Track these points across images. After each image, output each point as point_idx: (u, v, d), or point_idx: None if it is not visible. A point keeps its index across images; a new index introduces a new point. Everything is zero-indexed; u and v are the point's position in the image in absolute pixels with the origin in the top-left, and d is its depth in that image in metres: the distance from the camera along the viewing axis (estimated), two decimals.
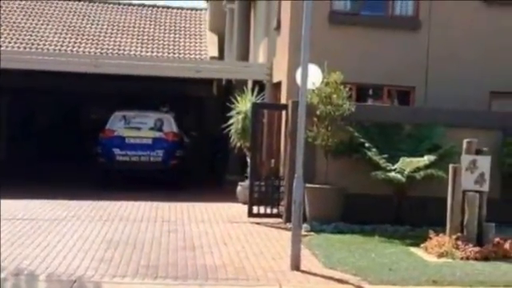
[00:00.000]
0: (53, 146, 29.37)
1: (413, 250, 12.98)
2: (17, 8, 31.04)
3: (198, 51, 29.54)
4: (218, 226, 15.08)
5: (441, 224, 13.07)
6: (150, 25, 31.65)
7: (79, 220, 15.15)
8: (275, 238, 13.93)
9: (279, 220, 15.81)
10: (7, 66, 20.10)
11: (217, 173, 24.41)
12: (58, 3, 32.25)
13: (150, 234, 13.78)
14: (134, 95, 26.59)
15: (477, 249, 12.35)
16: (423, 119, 15.98)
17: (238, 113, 18.13)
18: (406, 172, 14.66)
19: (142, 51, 28.72)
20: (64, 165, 26.29)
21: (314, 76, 14.83)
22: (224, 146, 22.16)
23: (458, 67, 17.96)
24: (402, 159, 14.83)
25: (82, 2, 32.70)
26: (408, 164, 14.72)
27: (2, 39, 27.19)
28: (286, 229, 14.49)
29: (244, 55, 25.03)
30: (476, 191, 12.87)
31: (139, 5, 33.53)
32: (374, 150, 14.99)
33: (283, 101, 17.85)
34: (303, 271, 11.16)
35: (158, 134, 21.69)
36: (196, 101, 29.95)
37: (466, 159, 13.01)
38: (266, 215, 16.23)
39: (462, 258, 12.19)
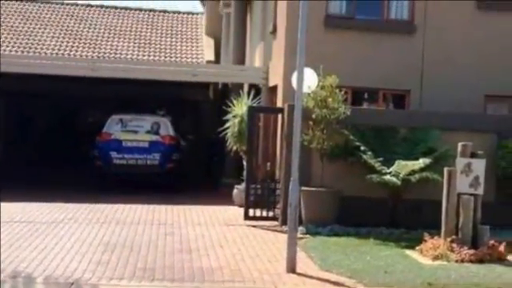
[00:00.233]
0: (50, 149, 29.43)
1: (408, 252, 13.01)
2: (14, 12, 31.10)
3: (194, 55, 29.58)
4: (214, 229, 15.13)
5: (436, 227, 13.11)
6: (147, 29, 31.70)
7: (77, 223, 15.20)
8: (271, 241, 13.97)
9: (275, 223, 15.85)
10: (4, 70, 20.16)
11: (213, 176, 24.42)
12: (55, 7, 32.33)
13: (147, 237, 13.82)
14: (130, 99, 26.64)
15: (472, 251, 12.38)
16: (418, 122, 16.03)
17: (235, 116, 18.16)
18: (401, 175, 14.70)
19: (138, 55, 28.77)
20: (61, 168, 26.31)
21: (310, 80, 14.84)
22: (220, 149, 22.16)
23: (452, 71, 18.00)
24: (397, 162, 14.87)
25: (79, 6, 32.77)
26: (403, 167, 14.75)
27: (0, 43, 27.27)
28: (281, 231, 14.56)
29: (240, 59, 25.08)
30: (471, 194, 12.90)
31: (136, 9, 33.57)
32: (369, 153, 15.03)
33: (279, 104, 17.86)
34: (299, 274, 11.20)
35: (154, 138, 21.73)
36: (192, 104, 30.00)
37: (460, 162, 13.05)
38: (262, 218, 16.28)
39: (456, 261, 12.21)
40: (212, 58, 28.86)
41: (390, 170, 14.86)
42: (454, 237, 12.72)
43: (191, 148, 25.60)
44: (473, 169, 13.01)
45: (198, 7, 35.16)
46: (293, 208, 11.64)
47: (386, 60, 18.01)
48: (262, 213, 16.39)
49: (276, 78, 19.01)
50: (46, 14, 31.59)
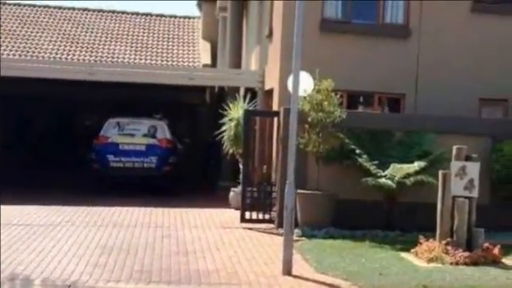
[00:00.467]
0: (48, 152, 29.45)
1: (403, 255, 13.03)
2: (12, 16, 31.16)
3: (191, 59, 29.64)
4: (210, 232, 15.17)
5: (431, 229, 13.15)
6: (144, 33, 31.76)
7: (74, 225, 15.23)
8: (267, 243, 14.02)
9: (271, 225, 15.90)
10: (2, 74, 20.21)
11: (210, 179, 24.44)
12: (52, 11, 32.37)
13: (144, 240, 13.87)
14: (127, 102, 26.65)
15: (466, 254, 12.40)
16: (413, 126, 16.08)
17: (231, 120, 18.22)
18: (396, 178, 14.75)
19: (135, 59, 28.81)
20: (59, 171, 26.31)
21: (306, 83, 14.89)
22: (217, 152, 22.21)
23: (447, 75, 18.10)
24: (392, 165, 14.93)
25: (76, 11, 32.81)
26: (398, 170, 14.81)
27: None
28: (277, 234, 14.58)
29: (236, 63, 25.11)
30: (465, 197, 12.92)
31: (133, 13, 33.62)
32: (364, 156, 15.07)
33: (275, 108, 17.92)
34: (295, 276, 11.24)
35: (151, 141, 21.76)
36: (189, 108, 30.08)
37: (455, 165, 13.08)
38: (258, 221, 16.32)
39: (451, 263, 12.23)
40: (208, 61, 28.91)
41: (385, 173, 14.91)
42: (448, 239, 12.74)
43: (188, 151, 25.66)
44: (467, 172, 13.02)
45: (195, 11, 35.22)
46: (289, 211, 11.68)
47: (382, 64, 18.08)
48: (258, 215, 16.44)
49: (272, 82, 19.06)
50: (44, 18, 31.65)
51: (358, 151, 15.18)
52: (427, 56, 18.13)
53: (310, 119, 15.24)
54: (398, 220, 15.26)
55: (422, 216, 14.38)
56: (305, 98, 15.24)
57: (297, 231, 14.22)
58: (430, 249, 12.69)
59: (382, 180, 14.77)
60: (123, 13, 33.51)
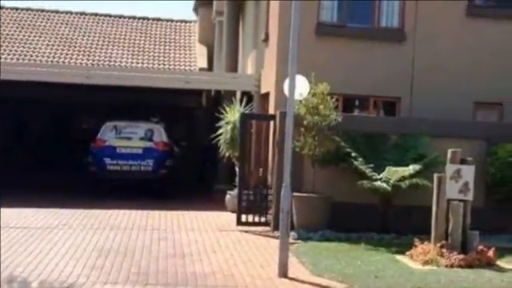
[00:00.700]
0: (45, 155, 29.54)
1: (398, 257, 13.08)
2: (10, 20, 31.20)
3: (187, 63, 29.69)
4: (207, 234, 15.21)
5: (426, 232, 13.18)
6: (141, 36, 31.80)
7: (71, 228, 15.27)
8: (263, 246, 14.06)
9: (267, 228, 15.93)
10: (0, 77, 20.28)
11: (206, 182, 24.48)
12: (50, 15, 32.41)
13: (141, 242, 13.91)
14: (124, 106, 26.70)
15: (461, 256, 12.44)
16: (409, 129, 16.13)
17: (227, 123, 18.23)
18: (391, 181, 14.79)
19: (132, 62, 28.87)
20: (56, 174, 26.37)
21: (302, 87, 14.95)
22: (213, 155, 22.23)
23: (442, 78, 18.17)
24: (387, 168, 14.99)
25: (73, 15, 32.85)
26: (394, 173, 14.85)
27: None
28: (273, 237, 14.66)
29: (233, 66, 25.17)
30: (460, 200, 12.95)
31: (130, 17, 33.66)
32: (360, 159, 15.12)
33: (271, 111, 17.99)
34: (291, 278, 11.28)
35: (148, 144, 21.80)
36: (185, 111, 30.12)
37: (450, 168, 13.11)
38: (254, 223, 16.37)
39: (446, 266, 12.27)
40: (205, 65, 28.97)
41: (381, 176, 14.96)
42: (443, 242, 12.77)
43: (184, 154, 25.69)
44: (462, 175, 13.05)
45: (192, 15, 35.27)
46: (285, 214, 11.71)
47: (377, 67, 18.15)
48: (254, 218, 16.49)
49: (268, 86, 19.12)
50: (41, 22, 31.69)
51: (353, 154, 15.22)
52: (422, 60, 18.20)
53: (305, 122, 15.28)
54: (394, 223, 15.31)
55: (417, 219, 14.37)
56: (301, 101, 15.29)
57: (293, 234, 14.30)
58: (425, 251, 12.72)
59: (378, 183, 14.80)
60: (120, 17, 33.55)
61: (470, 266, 12.33)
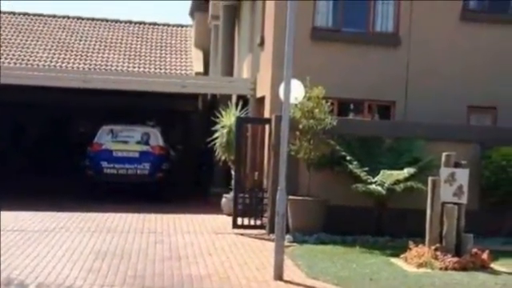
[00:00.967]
0: (42, 158, 29.56)
1: (393, 260, 13.11)
2: (7, 24, 31.26)
3: (183, 67, 29.76)
4: (203, 237, 15.25)
5: (420, 235, 13.24)
6: (137, 41, 31.88)
7: (68, 231, 15.31)
8: (259, 249, 14.10)
9: (263, 231, 15.98)
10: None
11: (202, 185, 24.49)
12: (47, 20, 32.49)
13: (137, 245, 13.94)
14: (121, 109, 26.72)
15: (455, 259, 12.47)
16: (403, 133, 16.19)
17: (223, 127, 18.28)
18: (386, 184, 14.84)
19: (129, 67, 28.94)
20: (53, 177, 26.34)
21: (297, 91, 14.96)
22: (209, 159, 22.27)
23: (436, 82, 18.23)
24: (382, 172, 15.03)
25: (70, 19, 32.93)
26: (388, 177, 14.90)
27: None
28: (269, 240, 14.68)
29: (228, 71, 25.24)
30: (454, 203, 12.99)
31: (126, 21, 33.72)
32: (355, 163, 15.16)
33: (267, 115, 18.01)
34: (286, 281, 11.30)
35: (144, 148, 21.83)
36: (182, 115, 30.17)
37: (444, 172, 13.15)
38: (249, 226, 16.42)
39: (440, 268, 12.30)
40: (201, 69, 29.02)
41: (376, 179, 14.99)
42: (438, 245, 12.82)
43: (180, 158, 25.75)
44: (456, 178, 13.08)
45: (188, 20, 35.34)
46: (280, 217, 11.74)
47: (372, 71, 18.19)
48: (249, 221, 16.54)
49: (263, 89, 19.16)
50: (38, 26, 31.77)
51: (348, 158, 15.26)
52: (417, 64, 18.25)
53: (301, 126, 15.33)
54: (388, 226, 15.36)
55: (411, 222, 14.43)
56: (296, 105, 15.34)
57: (288, 237, 14.34)
58: (420, 254, 12.76)
59: (372, 186, 14.85)
60: (117, 21, 33.62)
61: (464, 268, 12.34)
